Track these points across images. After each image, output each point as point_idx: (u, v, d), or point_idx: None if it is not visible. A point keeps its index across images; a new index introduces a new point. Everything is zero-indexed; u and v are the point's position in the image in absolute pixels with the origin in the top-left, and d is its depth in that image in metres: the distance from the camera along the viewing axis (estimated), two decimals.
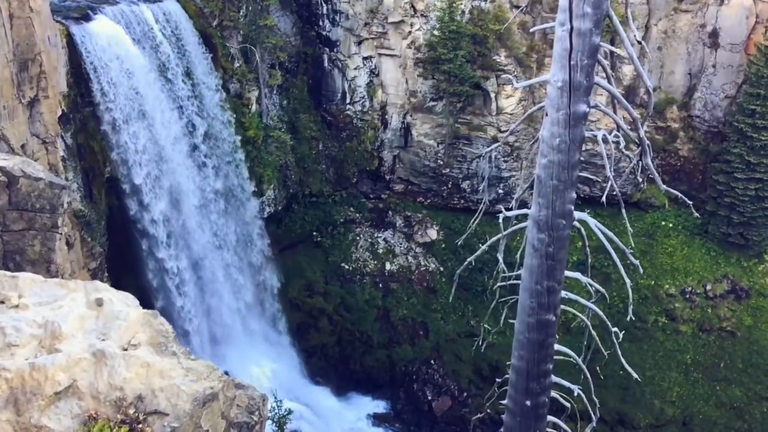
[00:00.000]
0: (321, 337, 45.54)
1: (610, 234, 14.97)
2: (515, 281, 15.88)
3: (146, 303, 11.90)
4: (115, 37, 31.66)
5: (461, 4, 44.10)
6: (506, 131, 44.35)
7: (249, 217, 42.75)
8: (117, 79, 31.86)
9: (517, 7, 44.34)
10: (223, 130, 39.69)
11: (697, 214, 26.59)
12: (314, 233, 48.48)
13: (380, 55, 47.00)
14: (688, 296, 46.46)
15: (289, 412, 30.31)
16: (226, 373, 10.91)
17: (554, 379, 16.28)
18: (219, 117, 39.31)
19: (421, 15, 45.19)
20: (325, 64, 47.70)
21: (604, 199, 15.22)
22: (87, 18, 30.80)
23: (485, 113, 46.69)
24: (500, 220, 15.68)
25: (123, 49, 32.04)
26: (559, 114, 12.88)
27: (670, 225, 48.67)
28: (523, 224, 15.18)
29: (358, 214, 49.93)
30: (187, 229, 37.73)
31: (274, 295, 44.53)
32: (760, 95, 43.33)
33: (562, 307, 15.71)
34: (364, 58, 47.25)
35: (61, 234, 19.52)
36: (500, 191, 48.47)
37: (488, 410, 20.72)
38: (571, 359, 16.83)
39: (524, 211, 14.91)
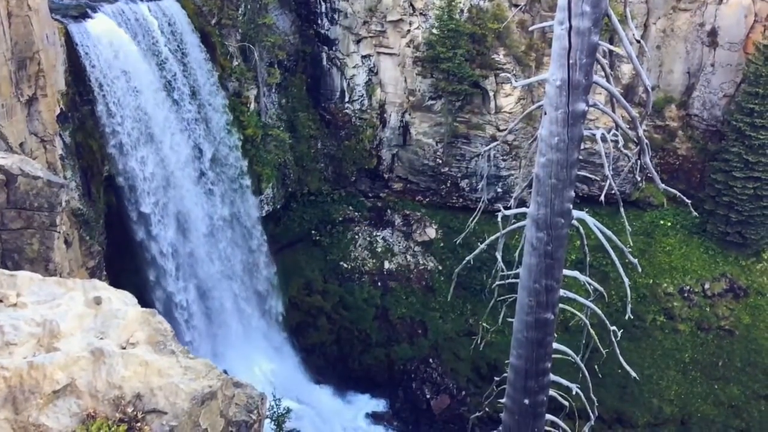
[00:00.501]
0: (320, 335, 45.54)
1: (609, 233, 14.99)
2: (514, 280, 15.90)
3: (145, 301, 11.91)
4: (120, 46, 30.62)
5: (460, 2, 44.06)
6: (505, 130, 44.32)
7: (255, 245, 42.46)
8: (124, 100, 30.67)
9: (516, 5, 44.33)
10: (230, 155, 39.11)
11: (695, 213, 26.64)
12: (313, 232, 48.47)
13: (379, 53, 46.96)
14: (686, 295, 46.51)
15: (288, 410, 30.29)
16: (225, 371, 10.90)
17: (553, 377, 16.29)
18: (226, 141, 38.63)
19: (420, 13, 45.17)
20: (324, 62, 47.66)
21: (602, 197, 15.23)
22: (86, 16, 30.63)
23: (484, 112, 46.69)
24: (499, 219, 15.68)
25: (130, 65, 30.97)
26: (557, 113, 12.88)
27: (669, 224, 48.71)
28: (521, 223, 15.18)
29: (356, 213, 49.92)
30: (195, 257, 37.11)
31: (279, 322, 44.47)
32: (759, 94, 43.36)
33: (561, 305, 15.73)
34: (363, 57, 47.22)
35: (60, 233, 19.50)
36: (499, 190, 48.48)
37: (487, 409, 20.73)
38: (570, 358, 16.85)
39: (523, 209, 14.92)
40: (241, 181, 40.21)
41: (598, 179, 44.72)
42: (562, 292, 15.22)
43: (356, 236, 48.90)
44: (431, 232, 49.43)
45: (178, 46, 34.88)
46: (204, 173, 37.27)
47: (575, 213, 14.31)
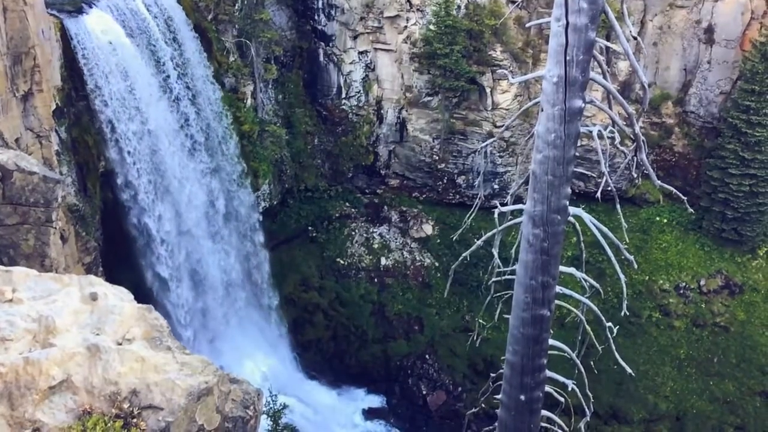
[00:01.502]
0: (316, 331, 45.55)
1: (605, 229, 15.02)
2: (510, 276, 15.93)
3: (141, 298, 11.87)
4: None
5: None
6: (502, 126, 44.37)
7: (266, 302, 42.69)
8: (142, 151, 30.12)
9: (513, 2, 44.29)
10: (240, 207, 39.05)
11: (691, 210, 26.60)
12: (309, 228, 48.45)
13: (376, 49, 46.89)
14: (682, 291, 46.63)
15: (284, 406, 30.35)
16: (221, 367, 10.91)
17: (548, 373, 16.34)
18: (240, 197, 38.59)
19: (417, 10, 45.10)
20: (321, 58, 47.58)
21: (599, 194, 15.28)
22: (81, 11, 30.47)
23: (481, 108, 46.67)
24: (495, 216, 15.69)
25: (144, 103, 30.51)
26: (554, 109, 12.89)
27: (665, 220, 48.80)
28: (518, 219, 15.21)
29: (353, 209, 49.90)
30: (212, 314, 36.97)
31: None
32: (755, 91, 43.42)
33: (557, 302, 15.76)
34: (360, 53, 47.14)
35: (56, 228, 19.47)
36: (495, 186, 48.49)
37: (483, 405, 20.78)
38: (566, 354, 16.89)
39: (519, 206, 14.94)
40: (254, 236, 40.42)
41: (595, 176, 44.93)
42: (558, 288, 15.25)
43: (353, 232, 48.89)
44: (428, 229, 49.45)
45: (188, 86, 34.11)
46: (218, 231, 37.17)
47: (572, 209, 14.34)
